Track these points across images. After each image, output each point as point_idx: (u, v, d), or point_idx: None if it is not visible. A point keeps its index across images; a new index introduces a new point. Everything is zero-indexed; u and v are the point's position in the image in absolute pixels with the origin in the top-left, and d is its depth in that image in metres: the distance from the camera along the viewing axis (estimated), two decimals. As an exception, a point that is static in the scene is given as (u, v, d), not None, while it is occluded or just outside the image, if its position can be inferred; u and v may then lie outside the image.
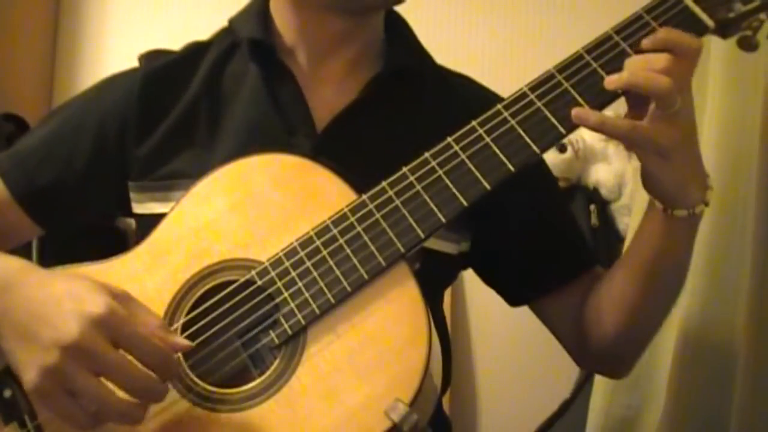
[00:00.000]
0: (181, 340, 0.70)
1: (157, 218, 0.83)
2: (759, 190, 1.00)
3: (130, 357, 0.67)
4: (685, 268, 0.86)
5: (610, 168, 1.70)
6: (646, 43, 0.74)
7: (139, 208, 0.92)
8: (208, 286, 0.76)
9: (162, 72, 0.94)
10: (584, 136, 1.71)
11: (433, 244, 0.87)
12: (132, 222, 2.16)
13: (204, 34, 1.01)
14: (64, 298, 0.68)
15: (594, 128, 0.73)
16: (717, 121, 1.03)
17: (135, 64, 0.98)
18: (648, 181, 0.78)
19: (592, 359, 0.98)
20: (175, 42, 1.01)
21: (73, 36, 2.26)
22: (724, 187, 1.02)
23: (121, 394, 0.66)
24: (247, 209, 0.78)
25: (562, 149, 1.66)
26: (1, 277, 0.73)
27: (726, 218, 1.06)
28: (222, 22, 1.00)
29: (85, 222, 1.01)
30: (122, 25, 2.21)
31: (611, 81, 0.73)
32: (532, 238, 0.95)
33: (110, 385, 0.66)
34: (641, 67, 0.72)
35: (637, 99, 0.74)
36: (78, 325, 0.65)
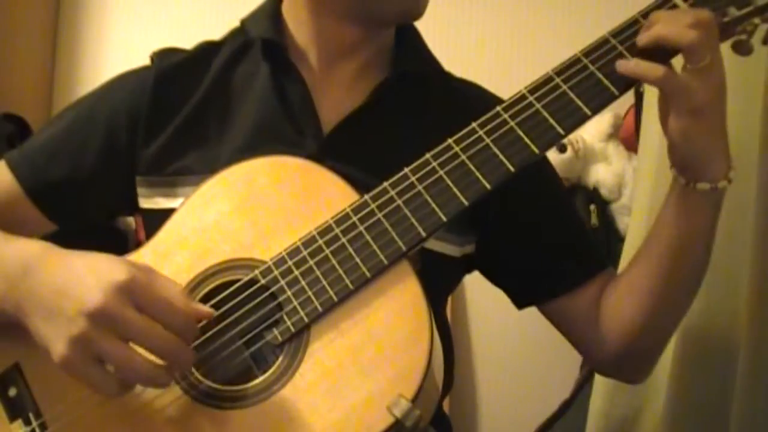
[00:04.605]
0: (203, 307, 0.70)
1: (163, 213, 0.83)
2: (759, 189, 1.01)
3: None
4: (709, 250, 0.85)
5: (610, 168, 1.69)
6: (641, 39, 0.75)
7: (145, 203, 0.92)
8: (211, 285, 0.76)
9: (174, 71, 0.94)
10: (584, 136, 1.71)
11: (436, 245, 0.87)
12: (132, 222, 2.16)
13: (204, 32, 1.01)
14: (86, 273, 0.68)
15: (630, 73, 0.74)
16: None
17: (135, 63, 0.98)
18: (677, 145, 0.77)
19: (610, 360, 0.93)
20: (175, 41, 1.01)
21: (73, 36, 2.26)
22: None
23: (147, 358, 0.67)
24: (250, 211, 0.79)
25: (562, 149, 1.66)
26: (22, 260, 0.74)
27: (726, 218, 1.06)
28: (222, 21, 1.00)
29: (94, 218, 1.00)
30: (122, 24, 2.22)
31: (642, 37, 0.74)
32: (538, 241, 0.95)
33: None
34: (670, 22, 0.73)
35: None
36: (101, 293, 0.65)
